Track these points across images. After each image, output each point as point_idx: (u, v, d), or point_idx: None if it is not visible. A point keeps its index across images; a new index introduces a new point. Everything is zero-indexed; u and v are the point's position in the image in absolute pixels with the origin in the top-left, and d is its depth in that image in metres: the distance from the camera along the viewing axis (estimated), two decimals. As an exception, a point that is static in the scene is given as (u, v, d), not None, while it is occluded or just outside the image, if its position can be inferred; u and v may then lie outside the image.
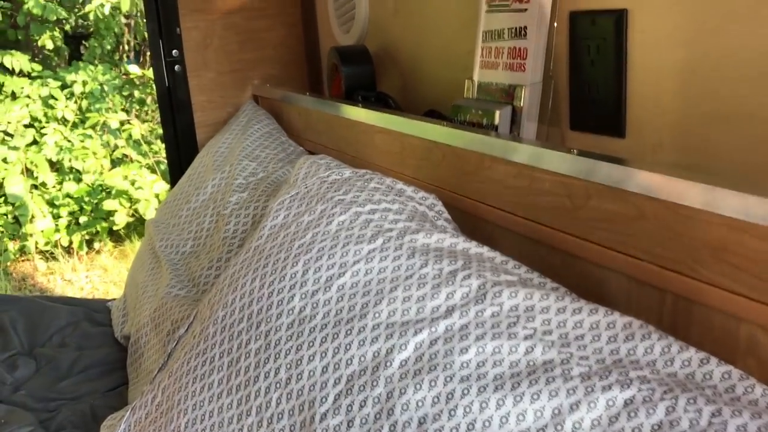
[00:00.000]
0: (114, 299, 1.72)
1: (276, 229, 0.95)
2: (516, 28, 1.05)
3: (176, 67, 1.68)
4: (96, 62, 5.14)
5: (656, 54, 0.92)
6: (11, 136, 4.44)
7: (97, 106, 4.63)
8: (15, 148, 4.34)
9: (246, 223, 1.31)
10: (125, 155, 4.50)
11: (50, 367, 1.45)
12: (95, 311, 1.66)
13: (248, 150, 1.49)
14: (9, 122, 4.40)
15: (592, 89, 1.00)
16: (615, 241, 0.82)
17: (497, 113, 1.05)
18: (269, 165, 1.46)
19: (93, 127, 4.48)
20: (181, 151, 1.71)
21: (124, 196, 4.15)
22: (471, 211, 1.05)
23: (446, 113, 1.31)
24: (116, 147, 4.44)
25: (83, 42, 5.53)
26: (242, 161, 1.46)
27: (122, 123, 4.61)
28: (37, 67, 4.74)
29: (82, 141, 4.43)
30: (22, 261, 4.38)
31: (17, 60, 4.62)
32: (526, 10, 1.04)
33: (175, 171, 1.72)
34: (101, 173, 4.33)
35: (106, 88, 4.75)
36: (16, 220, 4.32)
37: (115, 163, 4.56)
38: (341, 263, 0.84)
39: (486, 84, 1.12)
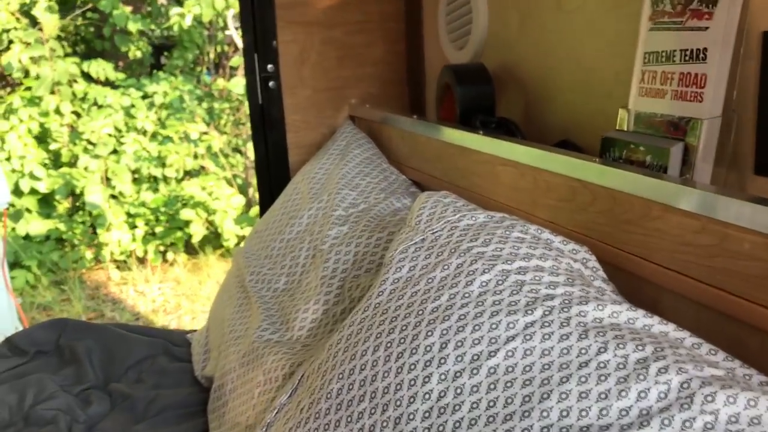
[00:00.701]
0: (194, 331, 1.60)
1: (400, 284, 0.80)
2: (692, 50, 0.87)
3: (271, 83, 1.55)
4: (177, 73, 5.16)
5: None
6: (93, 144, 4.47)
7: (178, 116, 4.62)
8: (96, 157, 4.35)
9: (347, 261, 1.16)
10: (203, 167, 4.46)
11: (125, 406, 1.33)
12: (174, 344, 1.54)
13: (348, 178, 1.35)
14: (93, 131, 4.43)
15: (791, 127, 0.81)
16: None
17: (670, 151, 0.87)
18: (371, 195, 1.31)
19: (170, 137, 4.47)
20: (272, 173, 1.58)
21: (201, 206, 4.10)
22: (630, 269, 0.87)
23: (582, 146, 1.13)
24: (196, 156, 4.41)
25: (165, 52, 5.56)
26: (342, 190, 1.31)
27: (201, 134, 4.59)
28: (121, 75, 4.77)
29: (160, 149, 4.42)
30: (97, 269, 4.39)
31: (102, 68, 4.65)
32: (707, 28, 0.85)
33: (264, 195, 1.59)
34: (180, 180, 4.31)
35: (186, 98, 4.74)
36: (93, 229, 4.33)
37: (192, 174, 4.53)
38: (491, 338, 0.67)
39: (647, 115, 0.94)
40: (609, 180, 0.89)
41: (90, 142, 4.49)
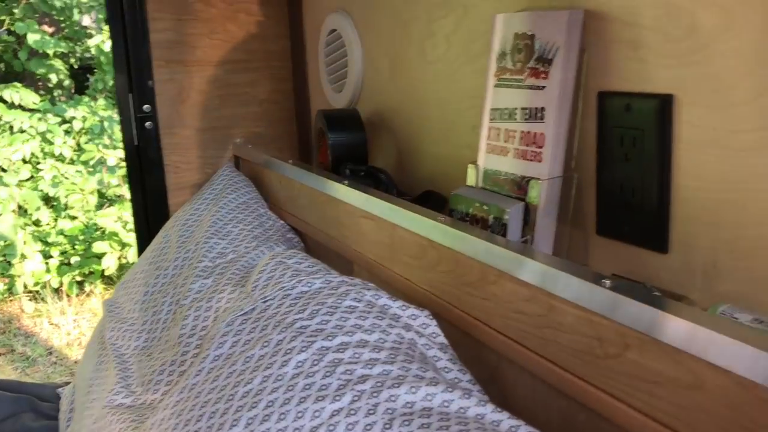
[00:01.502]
0: (67, 383, 1.52)
1: (219, 362, 0.75)
2: (531, 109, 0.85)
3: (147, 124, 1.49)
4: (98, 97, 5.01)
5: (714, 156, 0.72)
6: (5, 171, 4.29)
7: (96, 141, 4.49)
8: (6, 185, 4.18)
9: (207, 317, 1.10)
10: (119, 195, 4.33)
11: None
12: (43, 399, 1.45)
13: (219, 225, 1.29)
14: (5, 158, 4.26)
15: (626, 190, 0.80)
16: (661, 411, 0.61)
17: (506, 211, 0.85)
18: (241, 244, 1.26)
19: (86, 163, 4.32)
20: (149, 218, 1.52)
21: (114, 238, 3.96)
22: (473, 334, 0.84)
23: (447, 197, 1.11)
24: (110, 186, 4.28)
25: (89, 75, 5.41)
26: (211, 239, 1.25)
27: (120, 161, 4.45)
28: (37, 98, 4.60)
29: (76, 176, 4.27)
30: (10, 301, 4.20)
31: (18, 93, 4.48)
32: (543, 87, 0.84)
33: (142, 242, 1.52)
34: (88, 211, 4.17)
35: (105, 124, 4.60)
36: (6, 259, 4.15)
37: (110, 201, 4.39)
38: (295, 429, 0.63)
39: (493, 172, 0.92)
40: (451, 241, 0.86)
41: (2, 169, 4.32)
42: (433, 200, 1.08)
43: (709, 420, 0.57)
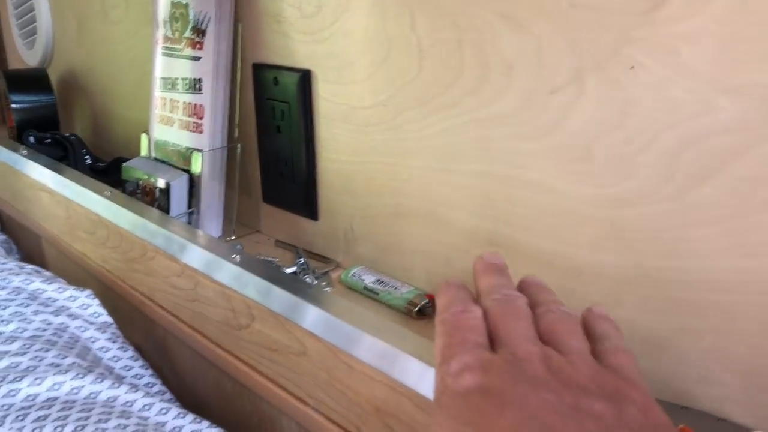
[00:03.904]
0: None
1: None
2: (190, 80, 0.85)
3: None
4: None
5: (345, 130, 0.76)
6: None
7: None
8: None
9: None
10: None
11: None
12: None
13: None
14: None
15: (281, 161, 0.83)
16: (281, 376, 0.65)
17: (168, 183, 0.84)
18: None
19: None
20: None
21: None
22: (142, 309, 0.84)
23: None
24: None
25: None
26: None
27: None
28: None
29: None
30: None
31: None
32: (200, 58, 0.83)
33: None
34: None
35: None
36: None
37: None
38: None
39: (163, 143, 0.90)
40: (114, 216, 0.84)
41: None
42: (120, 167, 1.04)
43: (313, 382, 0.61)
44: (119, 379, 0.69)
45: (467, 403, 0.32)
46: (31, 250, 1.13)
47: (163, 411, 0.65)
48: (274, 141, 0.83)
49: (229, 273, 0.69)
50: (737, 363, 0.51)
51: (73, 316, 0.77)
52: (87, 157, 1.12)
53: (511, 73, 0.59)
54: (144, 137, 0.93)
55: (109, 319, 0.81)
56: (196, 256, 0.73)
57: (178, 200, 0.85)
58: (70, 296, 0.79)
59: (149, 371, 0.77)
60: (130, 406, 0.65)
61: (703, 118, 0.48)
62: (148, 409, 0.65)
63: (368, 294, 0.74)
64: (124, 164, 0.92)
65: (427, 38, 0.64)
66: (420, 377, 0.52)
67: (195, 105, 0.85)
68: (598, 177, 0.55)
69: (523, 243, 0.62)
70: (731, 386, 0.51)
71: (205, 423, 0.64)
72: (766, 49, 0.44)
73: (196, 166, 0.85)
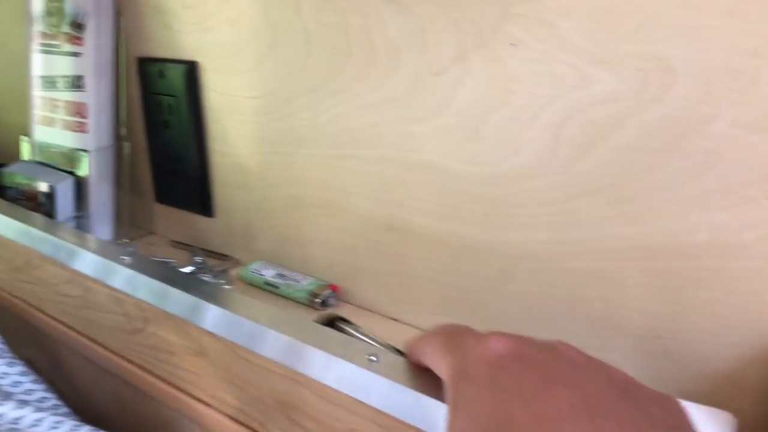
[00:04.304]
0: None
1: None
2: (71, 78, 0.80)
3: None
4: None
5: (235, 122, 0.74)
6: None
7: None
8: None
9: None
10: None
11: None
12: None
13: None
14: None
15: (172, 158, 0.80)
16: (179, 378, 0.63)
17: (51, 187, 0.80)
18: None
19: None
20: None
21: None
22: (31, 321, 0.79)
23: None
24: None
25: None
26: None
27: None
28: None
29: None
30: None
31: None
32: (81, 54, 0.79)
33: None
34: None
35: None
36: None
37: None
38: None
39: (46, 145, 0.85)
40: (-7, 224, 0.79)
41: None
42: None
43: (213, 382, 0.59)
44: (7, 396, 0.65)
45: (505, 371, 0.29)
46: None
47: (56, 425, 0.62)
48: (164, 137, 0.80)
49: (120, 276, 0.66)
50: (627, 328, 0.52)
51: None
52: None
53: (398, 56, 0.58)
54: (24, 140, 0.88)
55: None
56: (85, 262, 0.69)
57: (64, 204, 0.81)
58: (-52, 312, 0.74)
59: (42, 386, 0.73)
60: (18, 422, 0.61)
61: (582, 90, 0.49)
62: (39, 425, 0.61)
63: (269, 289, 0.72)
64: (3, 170, 0.86)
65: (312, 23, 0.63)
66: (324, 368, 0.51)
67: (77, 104, 0.81)
68: (486, 155, 0.55)
69: (418, 224, 0.62)
70: (623, 351, 0.53)
71: (101, 433, 0.61)
72: (638, 21, 0.45)
73: (83, 167, 0.81)
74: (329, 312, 0.69)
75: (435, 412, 0.43)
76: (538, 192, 0.53)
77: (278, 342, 0.55)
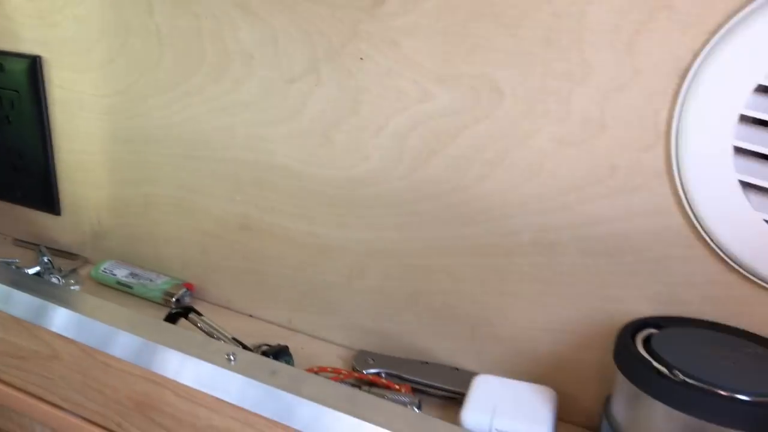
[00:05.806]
0: None
1: None
2: None
3: None
4: None
5: (84, 119, 0.73)
6: None
7: None
8: None
9: None
10: None
11: None
12: None
13: None
14: None
15: (13, 153, 0.77)
16: (31, 383, 0.62)
17: None
18: None
19: None
20: None
21: None
22: None
23: None
24: None
25: None
26: None
27: None
28: None
29: None
30: None
31: None
32: None
33: None
34: None
35: None
36: None
37: None
38: None
39: None
40: None
41: None
42: None
43: (67, 385, 0.59)
44: None
45: None
46: None
47: None
48: (5, 132, 0.77)
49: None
50: (463, 318, 0.58)
51: None
52: None
53: (251, 62, 0.60)
54: None
55: None
56: None
57: None
58: None
59: None
60: None
61: (424, 104, 0.54)
62: None
63: (122, 288, 0.72)
64: None
65: (166, 25, 0.63)
66: (180, 367, 0.53)
67: None
68: (338, 160, 0.59)
69: (274, 225, 0.65)
70: (460, 338, 0.59)
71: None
72: (471, 45, 0.51)
73: None
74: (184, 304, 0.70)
75: (289, 405, 0.46)
76: (386, 195, 0.57)
77: (133, 344, 0.56)
